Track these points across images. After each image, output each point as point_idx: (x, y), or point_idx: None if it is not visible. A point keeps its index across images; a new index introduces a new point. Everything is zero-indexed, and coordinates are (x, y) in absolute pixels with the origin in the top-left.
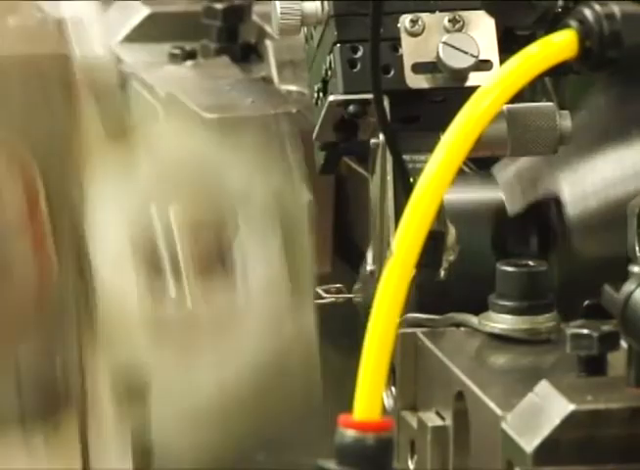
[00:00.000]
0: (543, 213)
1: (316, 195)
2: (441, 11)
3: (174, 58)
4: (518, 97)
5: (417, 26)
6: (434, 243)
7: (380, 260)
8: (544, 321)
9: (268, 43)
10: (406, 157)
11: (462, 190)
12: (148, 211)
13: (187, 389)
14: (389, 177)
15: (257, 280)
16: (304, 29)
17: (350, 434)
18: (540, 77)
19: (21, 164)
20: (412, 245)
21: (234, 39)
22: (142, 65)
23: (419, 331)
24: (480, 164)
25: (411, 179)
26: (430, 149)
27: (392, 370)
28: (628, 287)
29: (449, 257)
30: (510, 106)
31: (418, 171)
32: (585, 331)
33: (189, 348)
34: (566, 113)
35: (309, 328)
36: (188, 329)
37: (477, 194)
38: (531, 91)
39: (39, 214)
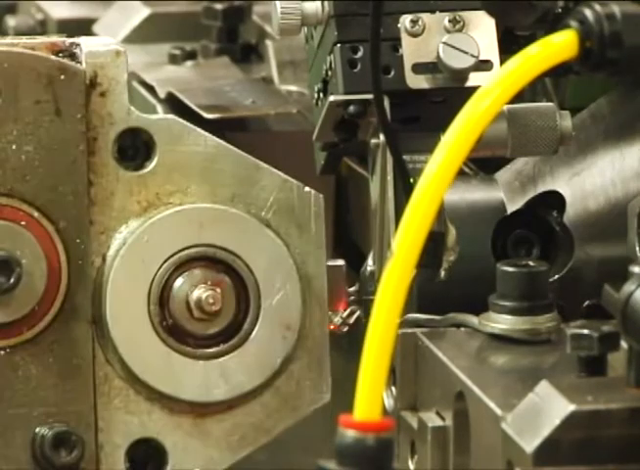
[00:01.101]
0: (543, 214)
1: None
2: (442, 11)
3: (174, 58)
4: (518, 97)
5: (417, 27)
6: (434, 243)
7: (380, 261)
8: (544, 321)
9: (268, 43)
10: (406, 157)
11: (462, 191)
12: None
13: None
14: (390, 177)
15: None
16: (305, 30)
17: (351, 434)
18: (540, 78)
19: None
20: (412, 245)
21: (234, 40)
22: (142, 65)
23: (419, 331)
24: (480, 164)
25: (411, 180)
26: (430, 149)
27: (393, 370)
28: (628, 287)
29: (449, 257)
30: (510, 106)
31: (418, 172)
32: (585, 331)
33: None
34: (566, 113)
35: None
36: None
37: (477, 195)
38: (532, 91)
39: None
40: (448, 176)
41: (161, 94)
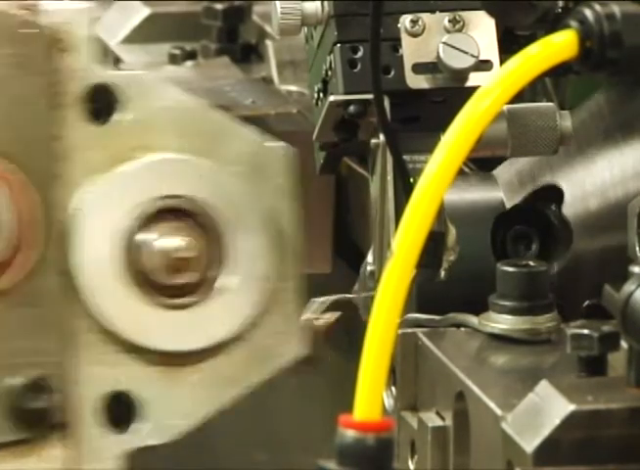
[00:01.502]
0: (542, 208)
1: (316, 195)
2: (442, 11)
3: (174, 58)
4: (518, 97)
5: (417, 27)
6: (434, 243)
7: (380, 261)
8: (544, 321)
9: (268, 43)
10: (406, 157)
11: (462, 190)
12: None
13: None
14: (390, 177)
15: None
16: (305, 29)
17: (351, 434)
18: (540, 78)
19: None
20: (412, 245)
21: (234, 40)
22: (142, 65)
23: (419, 331)
24: (480, 164)
25: (411, 179)
26: (430, 149)
27: (392, 370)
28: (629, 287)
29: (449, 257)
30: (510, 106)
31: (418, 172)
32: (585, 331)
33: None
34: (566, 113)
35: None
36: None
37: (476, 194)
38: (532, 91)
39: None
40: (448, 176)
41: None
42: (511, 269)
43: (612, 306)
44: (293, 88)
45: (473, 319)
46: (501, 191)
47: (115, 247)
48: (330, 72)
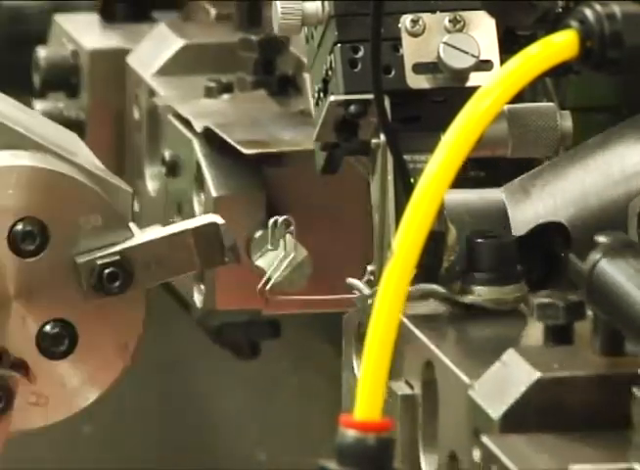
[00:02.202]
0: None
1: (354, 228)
2: (442, 11)
3: (210, 91)
4: (518, 97)
5: (418, 27)
6: (434, 243)
7: (380, 261)
8: (512, 292)
9: (306, 76)
10: (407, 157)
11: (462, 191)
12: None
13: None
14: (390, 177)
15: None
16: (305, 29)
17: (351, 434)
18: (541, 78)
19: None
20: (412, 245)
21: (271, 72)
22: (177, 98)
23: None
24: (480, 164)
25: (412, 179)
26: (430, 149)
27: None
28: (594, 257)
29: (450, 257)
30: (511, 106)
31: (418, 172)
32: (552, 301)
33: None
34: (566, 113)
35: None
36: None
37: (476, 194)
38: (532, 91)
39: None
40: (449, 176)
41: (198, 128)
42: (479, 240)
43: (577, 276)
44: None
45: (441, 290)
46: (500, 190)
47: None
48: (330, 72)
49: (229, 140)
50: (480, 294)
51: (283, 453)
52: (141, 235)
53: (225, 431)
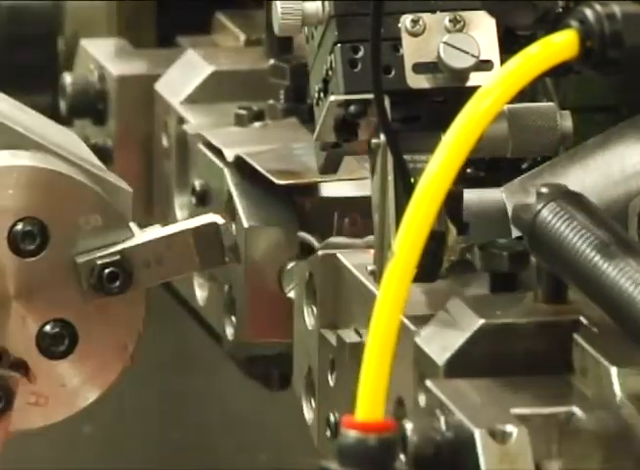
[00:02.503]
0: None
1: None
2: (442, 11)
3: (240, 119)
4: (518, 97)
5: (418, 26)
6: (434, 243)
7: (380, 261)
8: (458, 242)
9: None
10: (407, 157)
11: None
12: None
13: None
14: (390, 177)
15: None
16: (305, 29)
17: (352, 434)
18: (541, 78)
19: None
20: (413, 245)
21: (302, 99)
22: (207, 126)
23: (339, 252)
24: (480, 164)
25: (412, 179)
26: (430, 149)
27: (314, 291)
28: (535, 206)
29: (450, 257)
30: (511, 106)
31: (419, 172)
32: (496, 250)
33: None
34: (566, 113)
35: None
36: None
37: (478, 194)
38: (532, 91)
39: None
40: (449, 176)
41: (229, 158)
42: None
43: (520, 225)
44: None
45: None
46: (501, 191)
47: None
48: (330, 72)
49: (261, 170)
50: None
51: (283, 454)
52: (141, 235)
53: (225, 431)
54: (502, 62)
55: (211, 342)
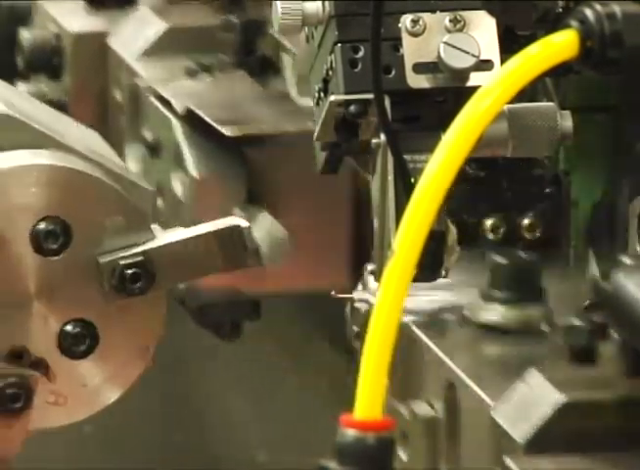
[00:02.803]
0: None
1: (334, 209)
2: (442, 11)
3: (191, 72)
4: (519, 97)
5: (418, 26)
6: (434, 243)
7: (380, 261)
8: (535, 312)
9: (286, 57)
10: (407, 157)
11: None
12: None
13: None
14: (390, 177)
15: None
16: (305, 29)
17: (351, 433)
18: (541, 77)
19: None
20: (413, 245)
21: (251, 53)
22: (159, 79)
23: (411, 321)
24: (480, 164)
25: (412, 179)
26: (431, 149)
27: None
28: (617, 277)
29: (450, 256)
30: (511, 106)
31: (419, 171)
32: (576, 322)
33: None
34: (566, 113)
35: None
36: None
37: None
38: (532, 91)
39: None
40: (449, 176)
41: (179, 109)
42: (502, 260)
43: (600, 297)
44: (311, 103)
45: (464, 310)
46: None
47: None
48: (330, 72)
49: (209, 121)
50: (503, 314)
51: (284, 454)
52: (164, 236)
53: (226, 431)
54: (502, 62)
55: (212, 342)
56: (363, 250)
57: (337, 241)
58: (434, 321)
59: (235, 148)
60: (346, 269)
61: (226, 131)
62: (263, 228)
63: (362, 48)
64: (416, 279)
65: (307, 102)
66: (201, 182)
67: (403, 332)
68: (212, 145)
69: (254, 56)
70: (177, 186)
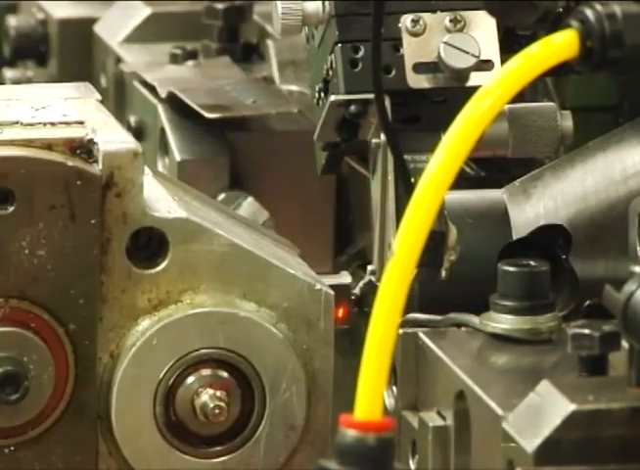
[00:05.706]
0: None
1: (317, 195)
2: (443, 11)
3: (175, 58)
4: (519, 97)
5: (418, 26)
6: (434, 243)
7: (380, 261)
8: (545, 321)
9: (269, 43)
10: (407, 157)
11: (463, 191)
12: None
13: None
14: (391, 177)
15: None
16: (306, 29)
17: (351, 434)
18: (541, 77)
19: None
20: (413, 245)
21: (235, 39)
22: (143, 65)
23: (420, 331)
24: (480, 164)
25: (412, 179)
26: (431, 149)
27: (393, 370)
28: (629, 287)
29: (450, 257)
30: (511, 106)
31: (419, 171)
32: (586, 331)
33: None
34: (567, 113)
35: None
36: None
37: (477, 194)
38: (532, 91)
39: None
40: (449, 176)
41: (162, 94)
42: (512, 269)
43: (612, 306)
44: (294, 88)
45: (474, 319)
46: (502, 191)
47: (153, 395)
48: (331, 72)
49: (192, 105)
50: (513, 323)
51: None
52: None
53: None
54: (503, 62)
55: None
56: (345, 234)
57: (320, 225)
58: (444, 331)
59: (219, 133)
60: (329, 252)
61: (208, 114)
62: (248, 213)
63: (362, 48)
64: (416, 279)
65: (290, 87)
66: (184, 166)
67: (413, 341)
68: (196, 130)
69: (238, 42)
70: (161, 170)
